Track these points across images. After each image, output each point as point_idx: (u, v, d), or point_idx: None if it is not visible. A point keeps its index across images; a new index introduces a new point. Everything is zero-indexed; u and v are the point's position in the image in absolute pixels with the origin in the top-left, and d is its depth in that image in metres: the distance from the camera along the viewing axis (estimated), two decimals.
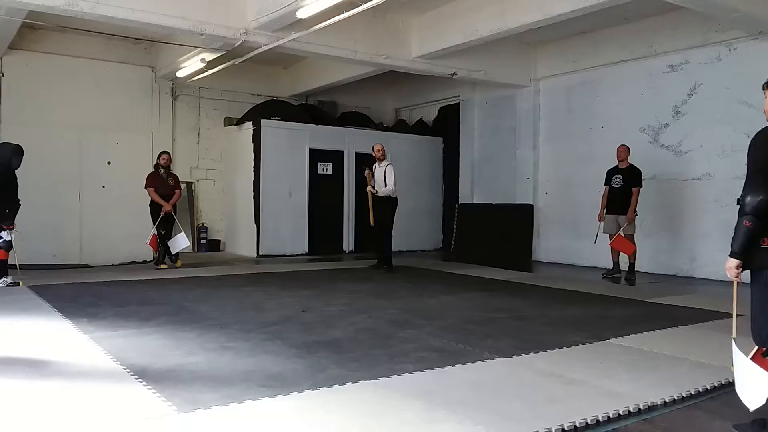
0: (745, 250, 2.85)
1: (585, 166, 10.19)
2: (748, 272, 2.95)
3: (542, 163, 11.16)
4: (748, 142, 3.00)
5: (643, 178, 8.65)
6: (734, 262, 2.88)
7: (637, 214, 8.60)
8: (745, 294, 3.01)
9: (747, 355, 2.88)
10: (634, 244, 8.62)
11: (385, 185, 9.08)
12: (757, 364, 2.85)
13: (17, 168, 7.39)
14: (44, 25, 8.90)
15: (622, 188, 8.61)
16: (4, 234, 7.08)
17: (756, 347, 2.95)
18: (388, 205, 9.16)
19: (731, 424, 3.00)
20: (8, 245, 7.21)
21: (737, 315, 3.05)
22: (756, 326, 2.94)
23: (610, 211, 8.74)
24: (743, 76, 8.17)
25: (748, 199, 2.81)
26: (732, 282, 2.96)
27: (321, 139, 11.83)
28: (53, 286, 7.26)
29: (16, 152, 7.29)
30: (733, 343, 2.98)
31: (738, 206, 2.88)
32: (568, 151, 10.69)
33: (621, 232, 8.53)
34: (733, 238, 2.88)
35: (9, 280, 7.25)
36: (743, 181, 2.94)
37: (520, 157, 11.39)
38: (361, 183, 12.30)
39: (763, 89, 3.09)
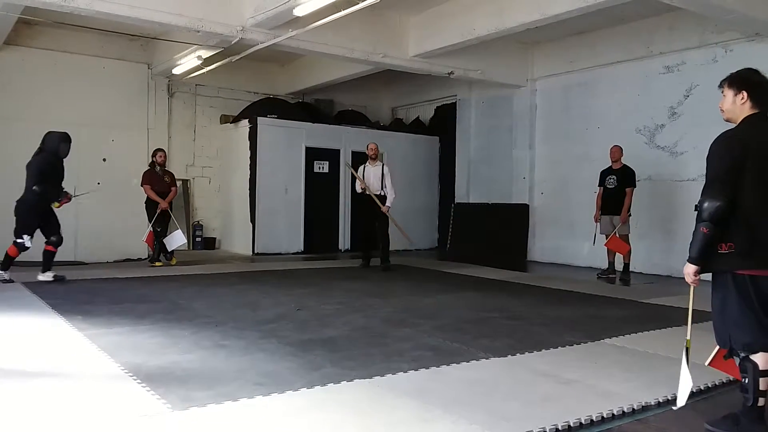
0: (702, 256, 2.90)
1: (581, 167, 10.21)
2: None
3: (538, 163, 11.17)
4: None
5: (637, 178, 8.68)
6: (692, 267, 2.93)
7: (630, 215, 8.63)
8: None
9: (709, 355, 3.06)
10: (629, 244, 8.65)
11: (382, 187, 9.06)
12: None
13: (65, 156, 7.30)
14: (40, 21, 8.87)
15: (616, 189, 8.64)
16: (25, 238, 6.96)
17: (717, 347, 3.04)
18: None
19: (704, 421, 3.05)
20: (23, 249, 7.07)
21: (693, 319, 3.14)
22: (717, 328, 3.01)
23: (604, 211, 8.78)
24: None
25: (706, 205, 2.84)
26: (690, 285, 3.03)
27: (317, 137, 11.82)
28: (47, 283, 7.23)
29: (64, 139, 7.22)
30: (685, 345, 3.06)
31: (696, 212, 2.90)
32: (564, 151, 10.71)
33: (616, 233, 8.57)
34: (690, 244, 2.92)
35: (6, 276, 7.18)
36: None
37: (516, 156, 11.40)
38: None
39: (720, 87, 3.11)
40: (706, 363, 3.10)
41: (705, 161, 3.06)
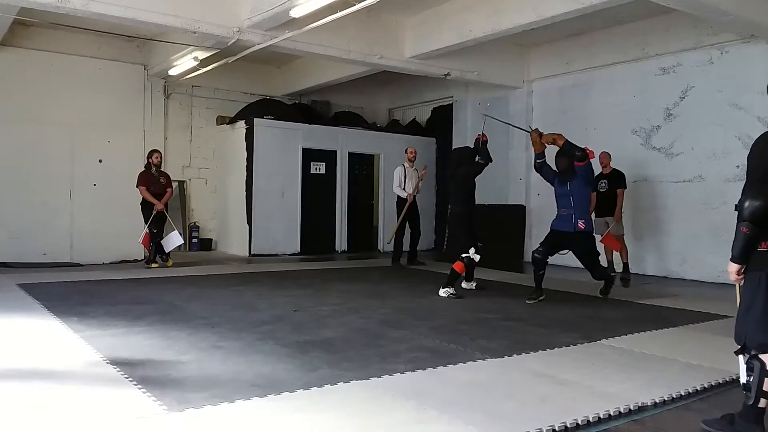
0: (744, 255, 2.89)
1: None
2: None
3: None
4: (750, 146, 3.00)
5: (633, 180, 8.76)
6: (734, 267, 2.93)
7: (622, 215, 8.75)
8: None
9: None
10: (625, 244, 8.77)
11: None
12: None
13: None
14: (36, 22, 8.84)
15: (608, 192, 8.81)
16: (471, 251, 6.88)
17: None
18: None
19: (701, 420, 3.06)
20: (471, 261, 7.00)
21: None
22: (739, 324, 2.99)
23: (598, 214, 8.91)
24: (735, 79, 8.23)
25: (746, 204, 2.84)
26: (734, 284, 3.00)
27: (314, 138, 11.81)
28: (43, 285, 7.21)
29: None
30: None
31: (736, 212, 2.90)
32: None
33: (610, 231, 8.69)
34: (733, 243, 2.92)
35: (451, 290, 6.90)
36: (733, 183, 2.96)
37: (512, 158, 11.40)
38: (354, 182, 12.36)
39: None
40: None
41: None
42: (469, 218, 7.21)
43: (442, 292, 6.86)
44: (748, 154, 2.98)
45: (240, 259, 10.82)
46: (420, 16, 9.33)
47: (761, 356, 2.85)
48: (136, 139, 10.88)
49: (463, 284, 7.40)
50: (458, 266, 6.95)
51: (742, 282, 2.96)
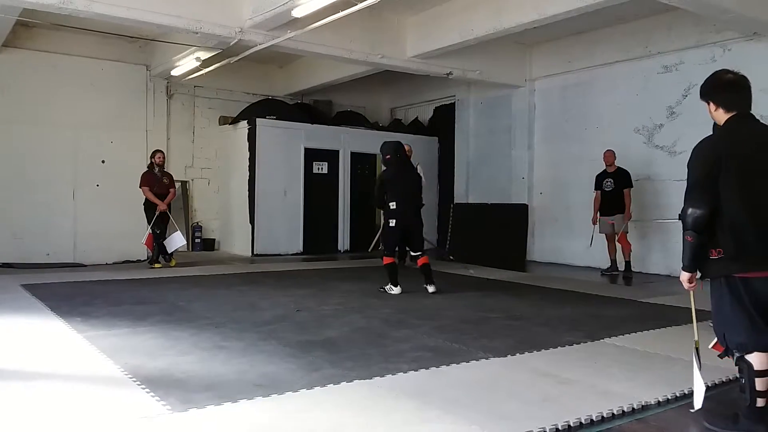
0: (693, 263, 2.92)
1: (580, 166, 10.21)
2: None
3: (537, 163, 11.17)
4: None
5: (636, 178, 8.76)
6: (686, 275, 2.97)
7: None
8: None
9: (710, 352, 3.08)
10: (628, 242, 8.80)
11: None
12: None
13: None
14: (39, 23, 8.86)
15: (614, 191, 8.79)
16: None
17: (716, 339, 3.07)
18: None
19: (704, 418, 3.07)
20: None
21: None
22: (715, 329, 3.04)
23: (603, 213, 8.90)
24: None
25: (689, 212, 2.85)
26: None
27: (316, 138, 11.82)
28: (47, 285, 7.22)
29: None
30: (694, 346, 3.10)
31: (680, 220, 2.91)
32: (562, 151, 10.71)
33: (623, 231, 8.73)
34: (682, 252, 2.95)
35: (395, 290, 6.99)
36: None
37: (515, 157, 11.40)
38: (357, 182, 12.37)
39: (702, 100, 3.10)
40: (710, 346, 3.09)
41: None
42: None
43: (395, 290, 6.94)
44: (688, 162, 2.98)
45: (243, 259, 10.83)
46: (422, 15, 9.32)
47: (747, 357, 2.86)
48: (138, 140, 10.90)
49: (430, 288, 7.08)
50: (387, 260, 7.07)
51: (698, 289, 3.01)
